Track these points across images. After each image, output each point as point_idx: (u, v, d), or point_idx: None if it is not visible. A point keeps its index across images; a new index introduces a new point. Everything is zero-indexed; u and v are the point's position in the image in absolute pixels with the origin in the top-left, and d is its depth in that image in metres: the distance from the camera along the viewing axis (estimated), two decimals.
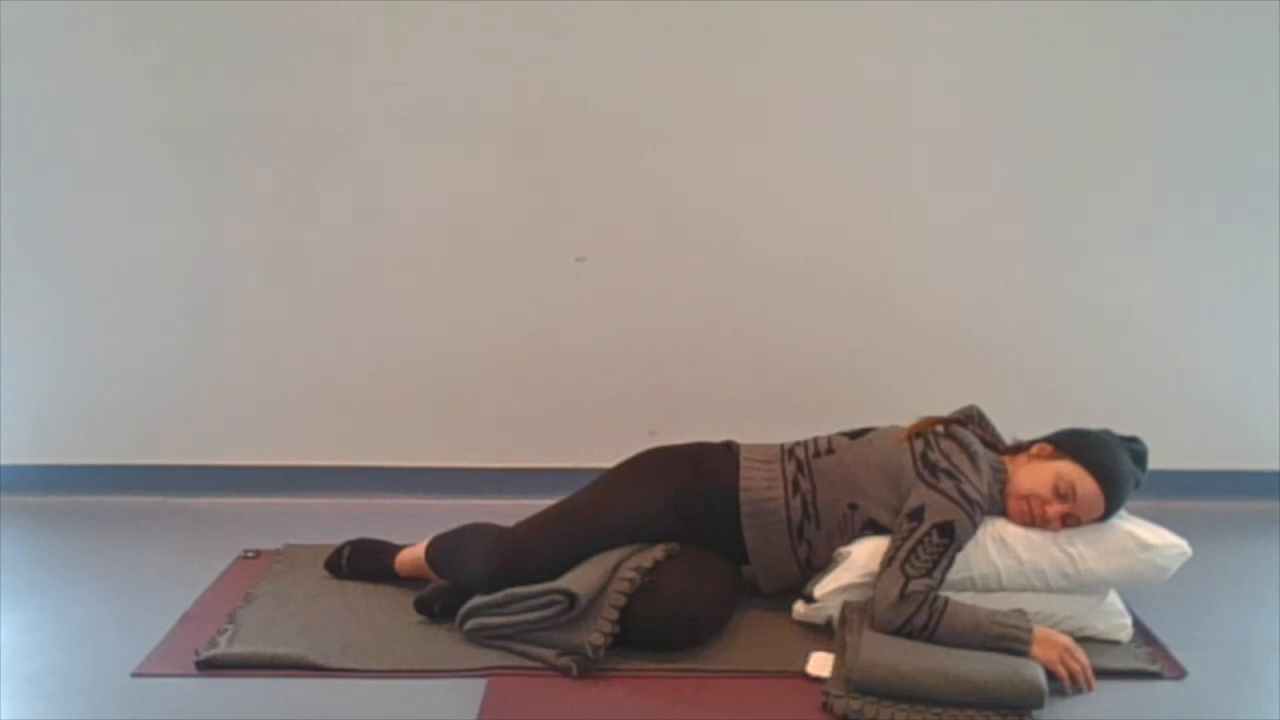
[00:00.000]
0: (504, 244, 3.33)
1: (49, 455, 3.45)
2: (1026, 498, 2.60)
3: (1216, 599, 2.81)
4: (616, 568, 2.57)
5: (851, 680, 2.34)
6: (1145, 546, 2.57)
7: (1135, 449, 2.65)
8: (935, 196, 3.30)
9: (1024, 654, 2.38)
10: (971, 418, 2.77)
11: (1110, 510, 2.59)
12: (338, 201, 3.31)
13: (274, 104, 3.23)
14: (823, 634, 2.60)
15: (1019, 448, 2.71)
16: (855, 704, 2.30)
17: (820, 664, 2.47)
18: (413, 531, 2.89)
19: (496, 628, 2.54)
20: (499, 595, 2.54)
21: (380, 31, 3.18)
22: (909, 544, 2.48)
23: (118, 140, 3.26)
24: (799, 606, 2.66)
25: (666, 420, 3.27)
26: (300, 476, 3.44)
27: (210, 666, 2.49)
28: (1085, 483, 2.56)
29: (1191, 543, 2.60)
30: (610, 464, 2.80)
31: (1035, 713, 2.28)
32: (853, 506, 2.64)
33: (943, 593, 2.48)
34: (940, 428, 2.70)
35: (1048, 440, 2.67)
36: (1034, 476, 2.61)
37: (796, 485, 2.67)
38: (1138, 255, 3.33)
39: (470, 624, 2.57)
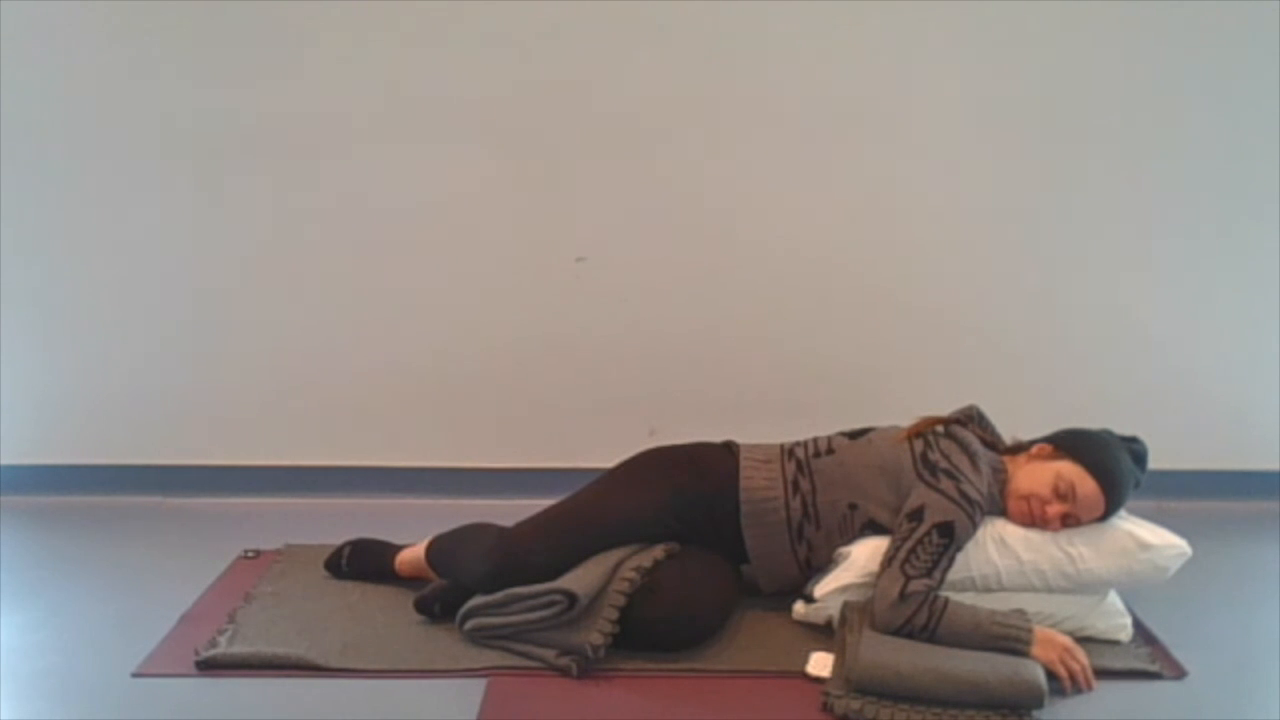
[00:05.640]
0: (504, 244, 3.34)
1: (49, 455, 3.45)
2: (1026, 498, 2.60)
3: (1216, 599, 2.81)
4: (616, 568, 2.57)
5: (851, 680, 2.34)
6: (1145, 546, 2.57)
7: (1135, 449, 2.65)
8: (936, 197, 3.30)
9: (1024, 654, 2.38)
10: (971, 418, 2.77)
11: (1110, 510, 2.59)
12: (337, 201, 3.31)
13: (273, 104, 3.23)
14: (823, 634, 2.60)
15: (1019, 448, 2.71)
16: (855, 704, 2.30)
17: (820, 664, 2.47)
18: (413, 531, 2.89)
19: (496, 628, 2.54)
20: (499, 595, 2.54)
21: (380, 31, 3.18)
22: (909, 544, 2.48)
23: (117, 141, 3.26)
24: (799, 606, 2.66)
25: (666, 420, 3.27)
26: (300, 476, 3.44)
27: (210, 666, 2.48)
28: (1085, 483, 2.56)
29: (1191, 543, 2.60)
30: (610, 464, 2.80)
31: (1035, 713, 2.28)
32: (852, 506, 2.64)
33: (943, 593, 2.48)
34: (940, 428, 2.70)
35: (1048, 440, 2.67)
36: (1034, 476, 2.61)
37: (796, 485, 2.67)
38: (1138, 255, 3.33)
39: (470, 624, 2.57)
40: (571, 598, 2.47)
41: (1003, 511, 2.64)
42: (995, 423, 2.80)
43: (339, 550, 2.93)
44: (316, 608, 2.75)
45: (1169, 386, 3.37)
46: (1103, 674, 2.43)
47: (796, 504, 2.65)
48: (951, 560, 2.50)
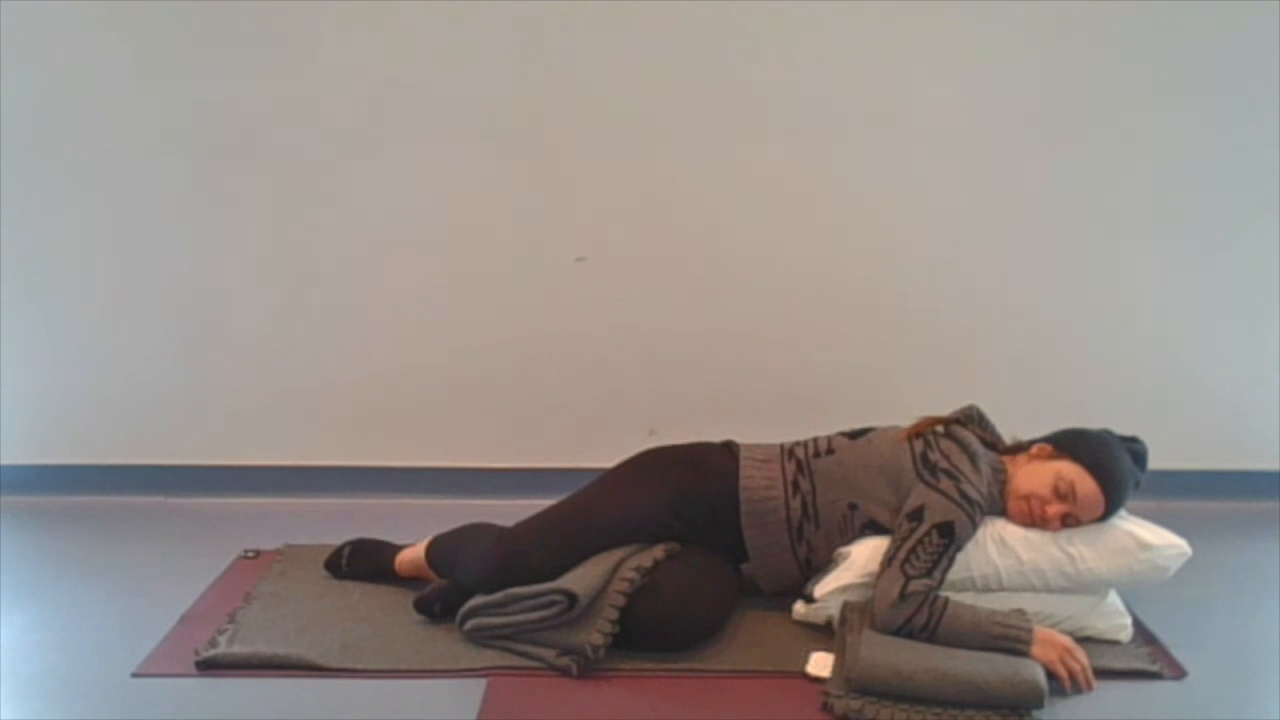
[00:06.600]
0: (504, 244, 3.33)
1: (49, 455, 3.45)
2: (1026, 498, 2.60)
3: (1216, 599, 2.81)
4: (616, 568, 2.57)
5: (851, 680, 2.34)
6: (1145, 546, 2.57)
7: (1135, 449, 2.65)
8: (935, 197, 3.30)
9: (1024, 654, 2.38)
10: (971, 418, 2.77)
11: (1110, 510, 2.59)
12: (337, 201, 3.31)
13: (274, 103, 3.23)
14: (823, 634, 2.60)
15: (1019, 448, 2.71)
16: (855, 704, 2.30)
17: (820, 664, 2.47)
18: (413, 531, 2.90)
19: (496, 628, 2.54)
20: (499, 595, 2.54)
21: (379, 30, 3.18)
22: (909, 544, 2.48)
23: (117, 140, 3.26)
24: (799, 606, 2.66)
25: (666, 420, 3.27)
26: (300, 476, 3.44)
27: (210, 666, 2.49)
28: (1085, 483, 2.56)
29: (1191, 543, 2.60)
30: (610, 464, 2.80)
31: (1035, 713, 2.28)
32: (852, 507, 2.64)
33: (943, 593, 2.48)
34: (940, 428, 2.71)
35: (1048, 440, 2.67)
36: (1034, 476, 2.61)
37: (796, 485, 2.67)
38: (1138, 255, 3.33)
39: (470, 624, 2.57)
40: (571, 598, 2.47)
41: (1003, 511, 2.64)
42: (995, 423, 2.80)
43: (339, 550, 2.93)
44: (316, 608, 2.75)
45: (1169, 386, 3.37)
46: (1103, 674, 2.43)
47: (796, 504, 2.65)
48: (951, 560, 2.50)
